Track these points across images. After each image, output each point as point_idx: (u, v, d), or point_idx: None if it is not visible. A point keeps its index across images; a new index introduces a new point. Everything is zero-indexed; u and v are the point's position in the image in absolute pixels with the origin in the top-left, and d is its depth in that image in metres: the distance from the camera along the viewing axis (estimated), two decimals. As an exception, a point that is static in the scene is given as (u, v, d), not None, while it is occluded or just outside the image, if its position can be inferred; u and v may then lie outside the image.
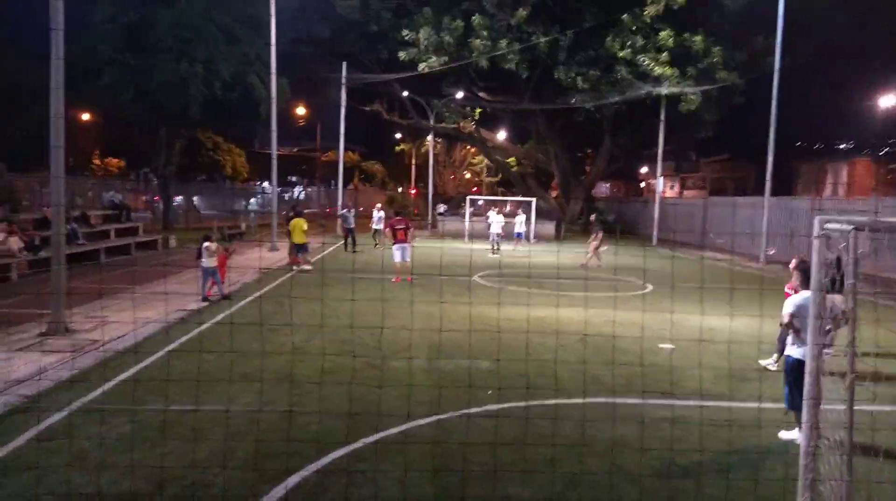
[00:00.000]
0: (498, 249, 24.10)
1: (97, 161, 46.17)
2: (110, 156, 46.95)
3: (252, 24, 28.19)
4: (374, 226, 25.26)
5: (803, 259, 6.95)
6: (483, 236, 27.04)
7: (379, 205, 27.53)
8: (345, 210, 25.68)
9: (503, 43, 30.66)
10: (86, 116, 39.48)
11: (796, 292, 7.62)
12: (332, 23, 34.72)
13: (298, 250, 17.62)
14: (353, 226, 23.45)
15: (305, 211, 21.59)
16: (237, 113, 31.22)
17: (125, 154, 44.58)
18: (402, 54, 32.24)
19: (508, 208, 29.92)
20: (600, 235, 20.62)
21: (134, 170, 43.57)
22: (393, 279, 15.49)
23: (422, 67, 31.70)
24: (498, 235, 24.40)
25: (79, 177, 30.55)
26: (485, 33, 30.54)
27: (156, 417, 6.16)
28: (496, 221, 24.66)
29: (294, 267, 17.55)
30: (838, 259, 3.70)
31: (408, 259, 15.67)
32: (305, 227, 17.89)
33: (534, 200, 33.52)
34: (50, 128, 9.20)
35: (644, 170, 60.16)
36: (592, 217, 23.10)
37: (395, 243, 15.71)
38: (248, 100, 29.15)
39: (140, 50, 26.15)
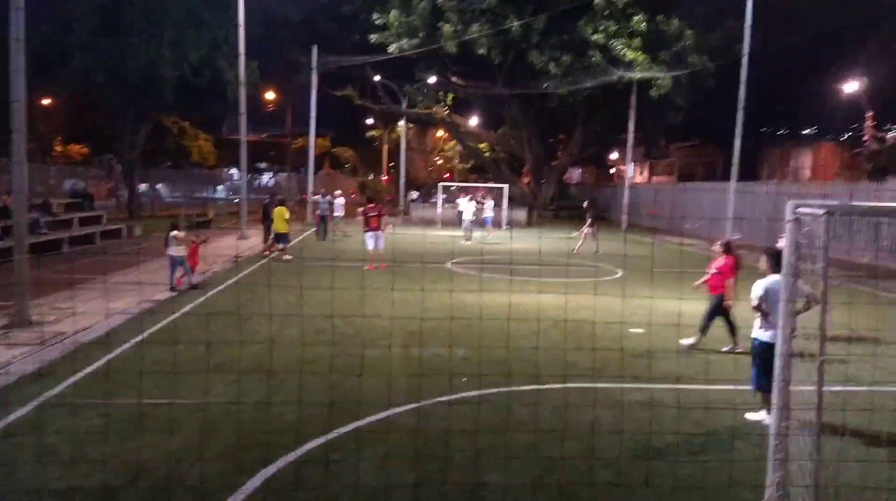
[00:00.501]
0: (470, 236, 24.09)
1: (59, 148, 44.86)
2: (73, 142, 45.65)
3: (221, 7, 27.61)
4: (335, 213, 24.53)
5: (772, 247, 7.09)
6: (455, 222, 27.12)
7: (338, 191, 26.66)
8: (317, 197, 25.27)
9: (474, 27, 30.46)
10: (46, 101, 38.27)
11: (720, 270, 8.50)
12: (302, 4, 34.19)
13: (278, 239, 17.34)
14: (326, 214, 23.14)
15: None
16: (206, 98, 30.62)
17: (88, 140, 43.39)
18: (372, 37, 31.88)
19: (480, 194, 29.89)
20: (591, 221, 20.66)
21: (97, 156, 42.49)
22: (366, 267, 15.40)
23: (392, 48, 31.38)
24: (471, 222, 24.39)
25: (40, 164, 29.66)
26: (454, 17, 30.30)
27: (127, 410, 6.04)
28: (468, 208, 24.67)
29: (266, 254, 17.31)
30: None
31: (381, 247, 15.55)
32: (287, 215, 17.66)
33: (506, 186, 33.57)
34: (10, 113, 8.89)
35: (614, 156, 60.64)
36: (585, 204, 22.66)
37: (367, 230, 15.56)
38: (216, 84, 28.61)
39: (112, 33, 25.52)
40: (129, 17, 25.69)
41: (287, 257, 17.10)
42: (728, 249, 8.62)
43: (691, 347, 8.77)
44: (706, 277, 8.84)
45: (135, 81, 26.30)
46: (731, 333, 8.75)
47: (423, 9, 30.70)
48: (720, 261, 8.62)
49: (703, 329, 8.78)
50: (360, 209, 16.69)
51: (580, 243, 20.34)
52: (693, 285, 9.12)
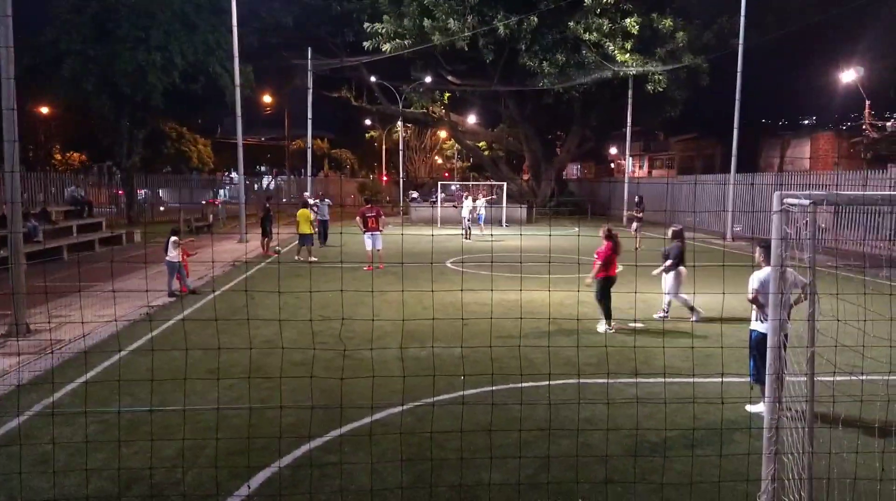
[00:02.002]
0: (469, 234, 24.12)
1: (58, 156, 44.95)
2: (72, 150, 45.73)
3: (213, 11, 27.60)
4: (320, 219, 23.44)
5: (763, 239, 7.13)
6: (455, 221, 27.21)
7: (320, 192, 26.10)
8: (317, 200, 24.85)
9: (459, 24, 30.27)
10: (45, 110, 38.35)
11: (601, 255, 9.37)
12: (295, 6, 34.17)
13: (303, 240, 17.26)
14: (327, 218, 22.27)
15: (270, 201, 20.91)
16: (201, 102, 30.63)
17: (87, 148, 43.45)
18: (366, 44, 31.87)
19: (481, 193, 30.00)
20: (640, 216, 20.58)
21: (97, 164, 42.50)
22: (365, 268, 15.39)
23: (386, 47, 31.35)
24: (469, 219, 24.47)
25: (39, 172, 29.71)
26: (442, 16, 30.23)
27: (122, 417, 6.04)
28: (467, 206, 24.79)
29: (297, 257, 17.21)
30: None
31: (379, 247, 15.56)
32: (313, 218, 17.85)
33: (505, 184, 33.58)
34: (2, 121, 8.90)
35: (613, 150, 60.58)
36: (636, 198, 22.31)
37: (366, 231, 15.58)
38: (212, 89, 28.59)
39: (102, 39, 25.51)
40: (118, 23, 25.65)
41: (313, 258, 17.03)
42: (609, 235, 9.47)
43: (608, 330, 9.47)
44: (594, 264, 9.55)
45: (124, 88, 26.26)
46: (607, 315, 9.55)
47: (413, 10, 30.65)
48: (601, 247, 9.43)
49: (607, 315, 9.53)
50: (359, 210, 16.66)
51: (637, 240, 19.61)
52: (586, 282, 9.58)
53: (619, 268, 9.85)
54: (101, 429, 5.80)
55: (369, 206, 16.20)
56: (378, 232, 15.54)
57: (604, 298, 9.45)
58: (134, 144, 32.11)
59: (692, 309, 9.95)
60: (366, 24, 31.46)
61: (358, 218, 15.79)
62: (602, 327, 9.57)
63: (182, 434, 5.59)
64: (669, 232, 10.15)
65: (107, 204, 32.30)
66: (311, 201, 20.47)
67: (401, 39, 31.11)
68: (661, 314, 10.30)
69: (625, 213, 34.21)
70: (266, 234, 18.76)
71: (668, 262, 9.90)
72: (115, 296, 11.74)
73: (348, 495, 4.66)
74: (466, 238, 23.49)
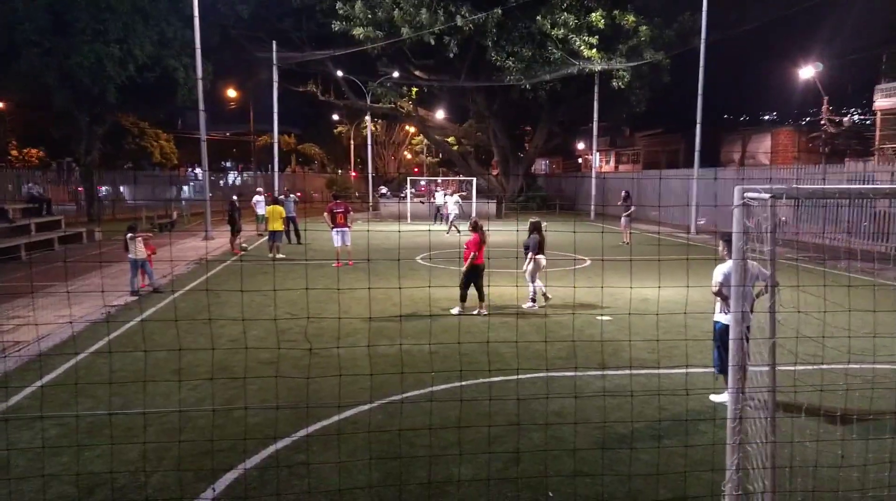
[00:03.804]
0: (451, 229, 24.43)
1: (15, 152, 43.53)
2: (29, 146, 44.34)
3: (171, 3, 27.00)
4: (258, 212, 23.46)
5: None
6: (424, 217, 27.40)
7: (260, 188, 25.22)
8: (281, 197, 24.33)
9: (425, 17, 30.15)
10: (0, 105, 37.12)
11: (468, 245, 10.10)
12: (253, 0, 33.67)
13: (273, 237, 17.07)
14: (294, 214, 21.41)
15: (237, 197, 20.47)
16: (156, 96, 29.95)
17: (45, 143, 42.20)
18: (335, 25, 31.53)
19: (451, 188, 30.34)
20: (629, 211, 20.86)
21: (55, 160, 41.29)
22: (333, 264, 15.27)
23: (357, 32, 31.05)
24: (445, 214, 24.99)
25: (-5, 168, 28.78)
26: (411, 8, 30.09)
27: (82, 420, 5.88)
28: (449, 201, 25.86)
29: (270, 255, 16.96)
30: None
31: (348, 243, 15.43)
32: (285, 214, 17.76)
33: (474, 179, 33.66)
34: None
35: (581, 146, 61.12)
36: (624, 193, 22.12)
37: (333, 227, 15.43)
38: (166, 82, 28.00)
39: (61, 31, 24.75)
40: (75, 15, 24.91)
41: (281, 255, 16.91)
42: (475, 227, 10.27)
43: (459, 313, 10.09)
44: (465, 253, 10.22)
45: (83, 80, 25.54)
46: (479, 298, 10.20)
47: (385, 2, 30.49)
48: (469, 238, 10.22)
49: (463, 296, 10.19)
50: (326, 206, 16.46)
51: (626, 235, 20.63)
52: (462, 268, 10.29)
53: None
54: (61, 433, 5.64)
55: (337, 202, 15.99)
56: (347, 228, 15.40)
57: (467, 284, 10.16)
58: (93, 140, 31.29)
59: (534, 300, 10.77)
60: (339, 5, 31.10)
61: (326, 214, 15.61)
62: (477, 311, 10.18)
63: (145, 437, 5.47)
64: (528, 225, 10.91)
65: (66, 201, 31.45)
66: (279, 198, 20.21)
67: (372, 29, 30.91)
68: (530, 305, 10.80)
69: (592, 208, 34.65)
70: (235, 231, 18.40)
71: (529, 254, 10.65)
72: (75, 296, 11.46)
73: (317, 495, 4.61)
74: (448, 233, 23.73)
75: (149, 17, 26.71)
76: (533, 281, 10.80)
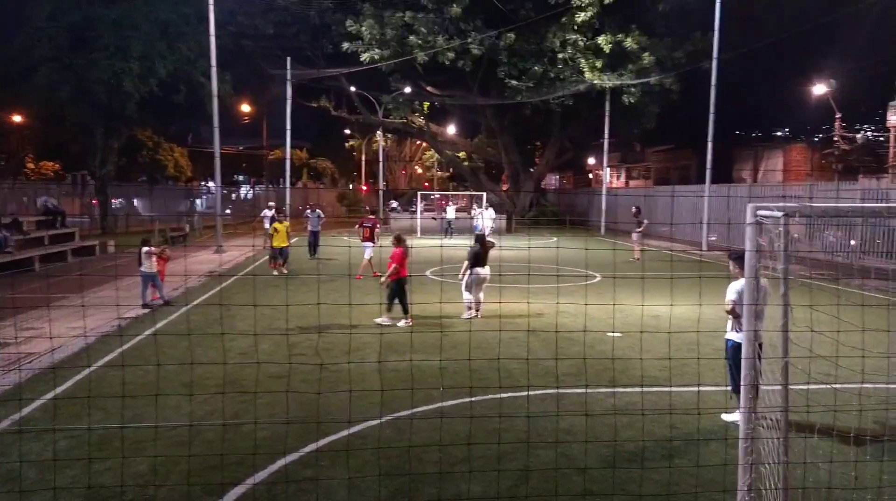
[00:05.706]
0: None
1: (31, 165, 44.15)
2: (45, 159, 44.96)
3: (194, 21, 27.45)
4: (266, 226, 21.60)
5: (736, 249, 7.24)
6: (435, 231, 27.55)
7: (271, 203, 24.20)
8: (308, 211, 22.24)
9: (440, 39, 30.52)
10: (18, 118, 37.67)
11: (392, 258, 10.44)
12: (275, 16, 34.09)
13: (279, 253, 17.09)
14: (318, 229, 20.38)
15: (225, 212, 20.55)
16: (182, 111, 30.46)
17: (61, 157, 42.78)
18: (345, 45, 31.85)
19: (462, 203, 30.61)
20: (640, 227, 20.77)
21: (70, 173, 41.84)
22: (356, 276, 15.93)
23: (364, 57, 31.38)
24: (451, 229, 25.07)
25: (11, 181, 29.20)
26: (423, 30, 30.41)
27: (93, 433, 5.90)
28: (486, 215, 26.46)
29: (275, 272, 16.97)
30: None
31: (367, 257, 16.03)
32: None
33: (485, 194, 33.72)
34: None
35: (591, 161, 61.06)
36: (634, 209, 21.84)
37: (364, 240, 16.40)
38: (193, 98, 28.45)
39: (79, 49, 25.23)
40: (98, 34, 25.40)
41: (284, 270, 16.91)
42: (398, 241, 10.72)
43: (380, 325, 10.24)
44: (389, 266, 10.55)
45: (100, 96, 25.98)
46: (403, 310, 10.48)
47: (395, 21, 30.79)
48: (393, 251, 10.57)
49: (389, 308, 10.51)
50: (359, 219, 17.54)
51: (637, 251, 20.58)
52: (381, 282, 10.81)
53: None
54: (72, 445, 5.66)
55: (368, 217, 17.04)
56: (371, 244, 16.12)
57: (396, 295, 10.45)
58: (108, 153, 31.71)
59: (470, 308, 11.11)
60: (348, 23, 31.43)
61: (357, 227, 16.96)
62: (402, 323, 10.41)
63: (154, 450, 5.48)
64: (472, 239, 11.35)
65: (81, 214, 31.79)
66: (268, 213, 20.48)
67: (381, 49, 31.20)
68: (470, 314, 11.10)
69: (603, 223, 34.58)
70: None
71: (465, 263, 11.03)
72: (88, 308, 11.54)
73: (325, 510, 4.60)
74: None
75: (176, 35, 27.21)
76: (469, 291, 11.09)
